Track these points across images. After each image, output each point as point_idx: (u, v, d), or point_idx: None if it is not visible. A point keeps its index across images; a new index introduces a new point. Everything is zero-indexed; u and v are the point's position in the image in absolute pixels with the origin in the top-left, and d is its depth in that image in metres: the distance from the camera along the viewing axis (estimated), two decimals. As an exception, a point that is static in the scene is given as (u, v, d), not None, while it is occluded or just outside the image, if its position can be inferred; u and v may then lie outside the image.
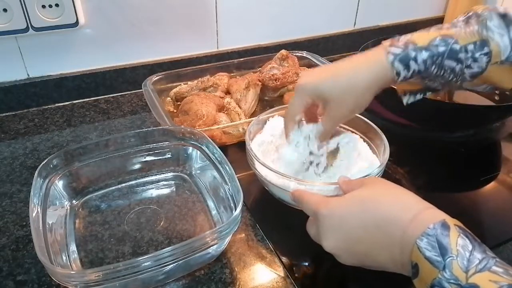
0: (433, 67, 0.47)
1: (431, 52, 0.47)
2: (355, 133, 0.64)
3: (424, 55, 0.47)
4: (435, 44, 0.47)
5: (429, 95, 0.53)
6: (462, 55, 0.46)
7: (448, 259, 0.33)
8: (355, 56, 0.51)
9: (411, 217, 0.37)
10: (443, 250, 0.34)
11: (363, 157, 0.60)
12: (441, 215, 0.37)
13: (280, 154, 0.57)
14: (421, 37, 0.48)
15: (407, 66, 0.47)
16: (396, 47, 0.47)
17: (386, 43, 0.49)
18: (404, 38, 0.48)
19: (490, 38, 0.46)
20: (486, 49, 0.46)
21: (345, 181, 0.48)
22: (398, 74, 0.47)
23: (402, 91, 0.54)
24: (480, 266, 0.32)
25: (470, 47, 0.46)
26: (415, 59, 0.47)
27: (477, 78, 0.48)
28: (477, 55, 0.46)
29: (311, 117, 0.56)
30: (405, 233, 0.37)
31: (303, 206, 0.47)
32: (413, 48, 0.47)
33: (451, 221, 0.36)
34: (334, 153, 0.58)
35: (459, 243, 0.34)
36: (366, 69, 0.48)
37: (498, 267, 0.32)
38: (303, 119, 0.56)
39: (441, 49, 0.46)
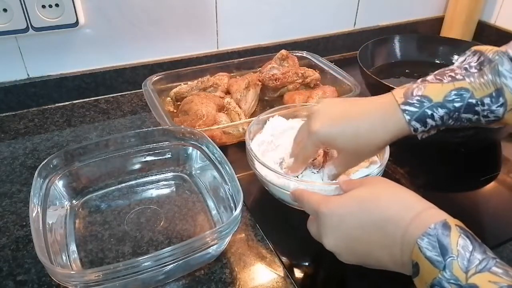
0: (450, 120, 0.46)
1: (447, 108, 0.46)
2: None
3: (440, 112, 0.46)
4: (450, 99, 0.45)
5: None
6: (478, 108, 0.45)
7: (449, 259, 0.33)
8: (369, 106, 0.49)
9: (412, 216, 0.37)
10: (443, 250, 0.34)
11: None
12: (442, 215, 0.37)
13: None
14: (435, 91, 0.46)
15: (424, 123, 0.46)
16: (411, 105, 0.46)
17: (398, 96, 0.47)
18: (417, 92, 0.46)
19: (504, 84, 0.44)
20: (501, 100, 0.44)
21: (345, 181, 0.48)
22: (415, 130, 0.46)
23: None
24: (480, 266, 0.32)
25: (487, 100, 0.45)
26: (432, 117, 0.46)
27: (493, 123, 0.47)
28: (493, 107, 0.45)
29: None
30: (406, 232, 0.37)
31: (304, 205, 0.47)
32: (428, 106, 0.46)
33: (452, 221, 0.36)
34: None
35: (460, 244, 0.34)
36: (383, 129, 0.47)
37: (498, 268, 0.32)
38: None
39: (457, 104, 0.45)
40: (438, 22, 1.20)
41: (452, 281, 0.32)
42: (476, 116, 0.46)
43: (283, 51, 0.88)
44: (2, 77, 0.81)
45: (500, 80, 0.44)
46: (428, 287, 0.34)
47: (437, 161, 0.73)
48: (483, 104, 0.45)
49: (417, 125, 0.46)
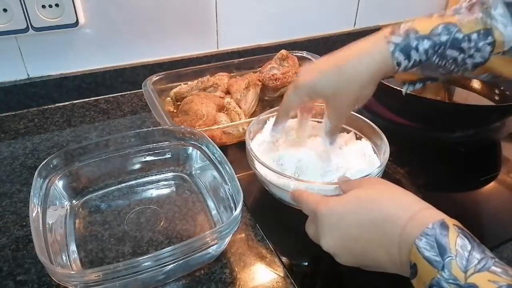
0: (435, 57, 0.45)
1: (433, 41, 0.45)
2: (356, 133, 0.64)
3: (426, 44, 0.45)
4: (437, 32, 0.45)
5: (428, 84, 0.51)
6: (465, 45, 0.44)
7: (447, 259, 0.33)
8: (354, 44, 0.49)
9: (410, 216, 0.37)
10: (442, 250, 0.34)
11: (364, 157, 0.60)
12: (440, 215, 0.37)
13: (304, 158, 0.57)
14: (423, 24, 0.46)
15: (408, 56, 0.45)
16: (397, 35, 0.46)
17: (386, 29, 0.47)
18: (405, 25, 0.46)
19: (493, 27, 0.44)
20: (490, 39, 0.44)
21: (344, 181, 0.48)
22: (398, 64, 0.46)
23: (401, 80, 0.52)
24: (479, 266, 0.32)
25: (474, 36, 0.44)
26: (417, 49, 0.45)
27: (479, 68, 0.46)
28: (480, 44, 0.44)
29: (307, 111, 0.57)
30: (404, 232, 0.37)
31: (302, 206, 0.47)
32: (414, 37, 0.45)
33: (450, 221, 0.36)
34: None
35: (458, 243, 0.34)
36: (367, 59, 0.46)
37: (497, 267, 0.32)
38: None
39: (444, 38, 0.45)
40: (438, 22, 1.19)
41: (451, 281, 0.32)
42: (461, 55, 0.45)
43: (283, 51, 0.88)
44: (2, 77, 0.81)
45: (490, 21, 0.44)
46: (427, 287, 0.34)
47: (437, 161, 0.73)
48: (469, 40, 0.44)
49: (401, 57, 0.45)
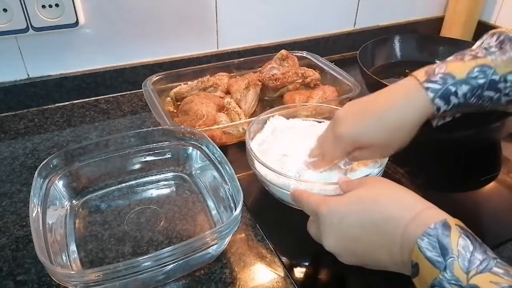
0: (473, 98, 0.46)
1: (471, 85, 0.45)
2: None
3: (464, 88, 0.45)
4: (474, 76, 0.45)
5: (457, 116, 0.51)
6: (501, 85, 0.45)
7: (449, 259, 0.33)
8: (387, 92, 0.49)
9: (412, 216, 0.37)
10: (444, 251, 0.34)
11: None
12: (442, 215, 0.37)
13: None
14: (457, 68, 0.46)
15: (447, 101, 0.45)
16: (434, 82, 0.45)
17: (419, 76, 0.47)
18: (439, 70, 0.46)
19: None
20: None
21: (345, 181, 0.48)
22: (438, 109, 0.46)
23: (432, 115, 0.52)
24: (481, 267, 0.32)
25: (509, 77, 0.45)
26: (456, 94, 0.45)
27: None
28: None
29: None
30: (406, 232, 0.37)
31: (303, 206, 0.47)
32: (452, 83, 0.45)
33: (452, 221, 0.36)
34: None
35: (460, 244, 0.34)
36: (408, 108, 0.46)
37: (499, 268, 0.32)
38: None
39: (481, 81, 0.45)
40: (438, 22, 1.19)
41: (453, 281, 0.32)
42: (497, 94, 0.46)
43: (283, 51, 0.88)
44: (2, 77, 0.81)
45: None
46: (428, 287, 0.34)
47: (437, 161, 0.73)
48: (506, 80, 0.45)
49: (440, 103, 0.45)
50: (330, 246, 0.42)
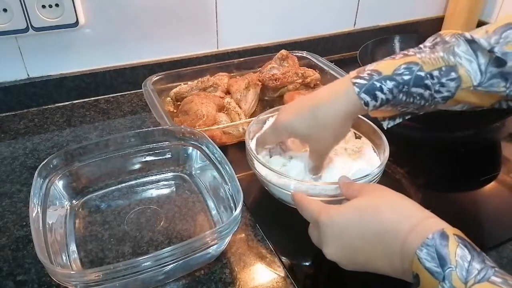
0: (401, 95, 0.47)
1: (396, 81, 0.46)
2: (356, 133, 0.64)
3: (389, 84, 0.46)
4: (399, 72, 0.46)
5: (407, 118, 0.52)
6: (428, 82, 0.46)
7: (448, 270, 0.33)
8: (324, 88, 0.52)
9: (411, 226, 0.37)
10: (442, 261, 0.34)
11: (364, 156, 0.60)
12: (440, 224, 0.37)
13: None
14: (385, 66, 0.48)
15: (374, 96, 0.47)
16: (361, 78, 0.47)
17: (352, 73, 0.49)
18: (369, 67, 0.48)
19: (458, 63, 0.45)
20: (453, 75, 0.45)
21: (345, 183, 0.48)
22: (366, 104, 0.47)
23: (380, 117, 0.54)
24: (479, 276, 0.32)
25: (436, 73, 0.46)
26: (381, 89, 0.46)
27: (450, 100, 0.47)
28: (443, 80, 0.46)
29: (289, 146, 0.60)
30: (405, 243, 0.37)
31: (303, 212, 0.47)
32: (377, 79, 0.47)
33: (450, 231, 0.36)
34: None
35: (458, 254, 0.34)
36: (337, 102, 0.49)
37: (497, 277, 0.32)
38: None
39: (406, 77, 0.46)
40: (438, 22, 1.19)
41: None
42: (428, 91, 0.47)
43: (283, 51, 0.88)
44: (2, 77, 0.81)
45: (454, 59, 0.45)
46: None
47: (437, 161, 0.73)
48: (432, 77, 0.46)
49: (367, 98, 0.47)
50: (331, 255, 0.42)
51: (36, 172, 0.52)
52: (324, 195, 0.51)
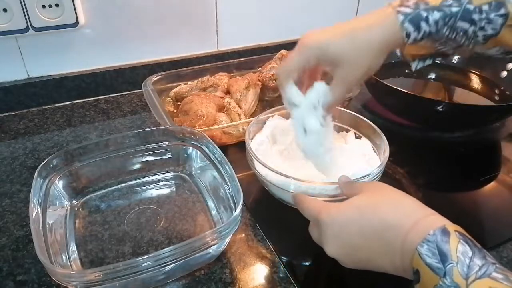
0: (445, 28, 0.44)
1: (444, 12, 0.44)
2: (356, 133, 0.64)
3: (436, 15, 0.44)
4: (447, 3, 0.44)
5: (438, 60, 0.50)
6: (476, 16, 0.44)
7: (449, 265, 0.33)
8: (363, 16, 0.47)
9: (412, 223, 0.37)
10: (443, 257, 0.34)
11: (364, 156, 0.60)
12: (441, 221, 0.37)
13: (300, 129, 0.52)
14: None
15: (417, 27, 0.44)
16: (406, 6, 0.45)
17: (395, 2, 0.46)
18: None
19: (507, 0, 0.43)
20: (502, 11, 0.43)
21: (345, 183, 0.48)
22: (408, 35, 0.44)
23: (410, 56, 0.51)
24: (480, 272, 0.32)
25: (485, 7, 0.43)
26: (427, 20, 0.44)
27: (491, 40, 0.45)
28: (491, 16, 0.43)
29: (308, 82, 0.52)
30: (405, 239, 0.37)
31: (304, 211, 0.47)
32: (424, 8, 0.44)
33: (451, 227, 0.36)
34: None
35: (459, 250, 0.34)
36: (378, 29, 0.45)
37: (498, 273, 0.32)
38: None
39: (454, 9, 0.44)
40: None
41: (453, 287, 0.32)
42: (472, 27, 0.44)
43: (283, 51, 0.88)
44: (2, 77, 0.81)
45: None
46: None
47: (437, 161, 0.73)
48: (481, 11, 0.44)
49: (410, 28, 0.44)
50: (332, 253, 0.42)
51: (36, 172, 0.52)
52: (324, 195, 0.51)
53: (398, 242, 0.37)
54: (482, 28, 0.44)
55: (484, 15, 0.44)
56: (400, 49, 0.48)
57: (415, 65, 0.50)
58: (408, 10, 0.44)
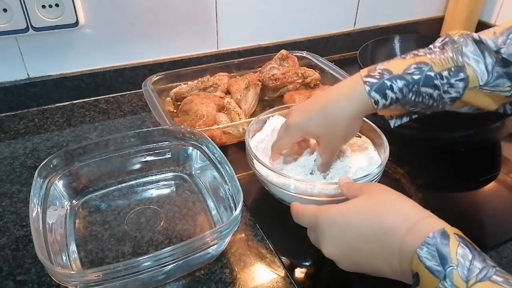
0: (410, 94, 0.47)
1: (406, 80, 0.47)
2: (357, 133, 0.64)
3: (399, 83, 0.47)
4: (409, 72, 0.47)
5: (415, 117, 0.53)
6: (437, 82, 0.47)
7: (449, 268, 0.33)
8: (335, 87, 0.52)
9: (410, 226, 0.37)
10: (443, 260, 0.34)
11: (365, 154, 0.60)
12: (440, 224, 0.37)
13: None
14: (396, 65, 0.48)
15: (384, 95, 0.47)
16: (372, 77, 0.48)
17: (363, 72, 0.50)
18: (380, 66, 0.49)
19: (466, 63, 0.46)
20: (461, 75, 0.46)
21: (345, 183, 0.48)
22: (376, 103, 0.48)
23: (388, 115, 0.54)
24: (480, 275, 0.32)
25: (445, 73, 0.47)
26: (391, 88, 0.47)
27: (458, 101, 0.48)
28: (452, 81, 0.46)
29: (303, 145, 0.60)
30: (404, 242, 0.37)
31: (299, 220, 0.46)
32: (388, 78, 0.47)
33: (450, 230, 0.36)
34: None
35: (459, 252, 0.34)
36: (348, 102, 0.49)
37: (498, 276, 0.32)
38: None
39: (416, 77, 0.47)
40: (438, 22, 1.19)
41: None
42: (437, 91, 0.47)
43: (283, 51, 0.88)
44: (2, 77, 0.81)
45: (462, 59, 0.46)
46: None
47: (437, 161, 0.73)
48: (441, 77, 0.47)
49: (377, 96, 0.47)
50: (329, 253, 0.42)
51: (36, 172, 0.52)
52: (324, 195, 0.51)
53: (397, 243, 0.37)
54: (446, 92, 0.47)
55: (445, 81, 0.47)
56: (374, 112, 0.51)
57: (393, 123, 0.54)
58: (373, 80, 0.48)
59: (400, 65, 0.48)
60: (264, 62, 0.90)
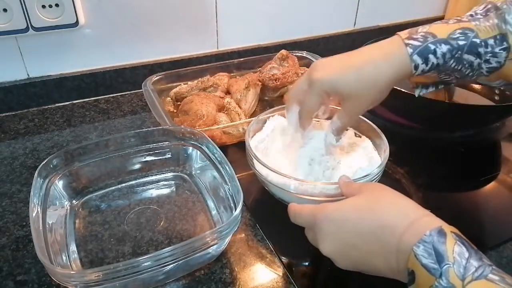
0: (452, 61, 0.46)
1: (451, 45, 0.45)
2: (356, 133, 0.64)
3: (443, 48, 0.45)
4: (454, 37, 0.45)
5: (441, 87, 0.51)
6: (482, 50, 0.45)
7: (445, 266, 0.33)
8: (370, 48, 0.49)
9: (408, 224, 0.37)
10: (439, 258, 0.34)
11: (365, 154, 0.60)
12: (437, 222, 0.37)
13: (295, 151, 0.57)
14: (440, 29, 0.46)
15: (426, 60, 0.45)
16: (415, 39, 0.46)
17: (403, 34, 0.47)
18: (422, 29, 0.47)
19: (508, 32, 0.44)
20: (505, 44, 0.45)
21: (345, 183, 0.48)
22: (416, 67, 0.46)
23: (414, 83, 0.52)
24: (476, 274, 0.32)
25: (491, 41, 0.45)
26: (435, 53, 0.45)
27: (494, 73, 0.47)
28: (496, 49, 0.45)
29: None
30: (401, 240, 0.37)
31: (296, 220, 0.46)
32: (432, 41, 0.45)
33: (447, 228, 0.36)
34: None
35: (456, 251, 0.34)
36: (386, 63, 0.47)
37: (494, 275, 0.32)
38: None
39: (461, 42, 0.45)
40: (438, 22, 1.19)
41: None
42: (478, 60, 0.46)
43: (283, 51, 0.88)
44: (2, 77, 0.81)
45: (505, 27, 0.45)
46: None
47: (437, 161, 0.73)
48: (486, 45, 0.45)
49: (419, 61, 0.45)
50: (327, 252, 0.42)
51: (36, 172, 0.52)
52: (324, 194, 0.51)
53: (394, 242, 0.37)
54: (487, 61, 0.46)
55: (489, 49, 0.45)
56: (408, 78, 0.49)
57: (418, 92, 0.52)
58: (416, 43, 0.46)
59: (444, 29, 0.46)
60: (264, 62, 0.90)
